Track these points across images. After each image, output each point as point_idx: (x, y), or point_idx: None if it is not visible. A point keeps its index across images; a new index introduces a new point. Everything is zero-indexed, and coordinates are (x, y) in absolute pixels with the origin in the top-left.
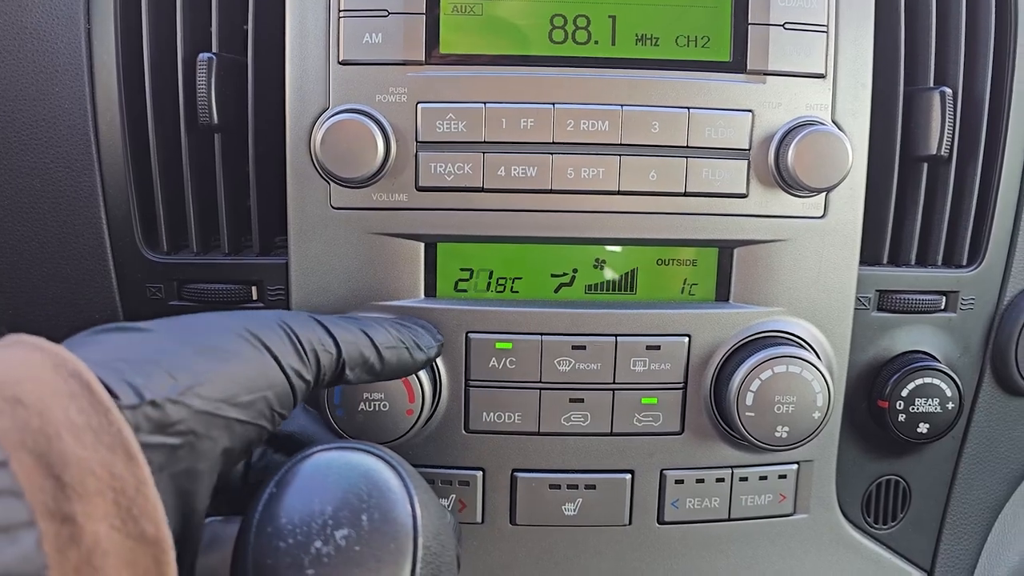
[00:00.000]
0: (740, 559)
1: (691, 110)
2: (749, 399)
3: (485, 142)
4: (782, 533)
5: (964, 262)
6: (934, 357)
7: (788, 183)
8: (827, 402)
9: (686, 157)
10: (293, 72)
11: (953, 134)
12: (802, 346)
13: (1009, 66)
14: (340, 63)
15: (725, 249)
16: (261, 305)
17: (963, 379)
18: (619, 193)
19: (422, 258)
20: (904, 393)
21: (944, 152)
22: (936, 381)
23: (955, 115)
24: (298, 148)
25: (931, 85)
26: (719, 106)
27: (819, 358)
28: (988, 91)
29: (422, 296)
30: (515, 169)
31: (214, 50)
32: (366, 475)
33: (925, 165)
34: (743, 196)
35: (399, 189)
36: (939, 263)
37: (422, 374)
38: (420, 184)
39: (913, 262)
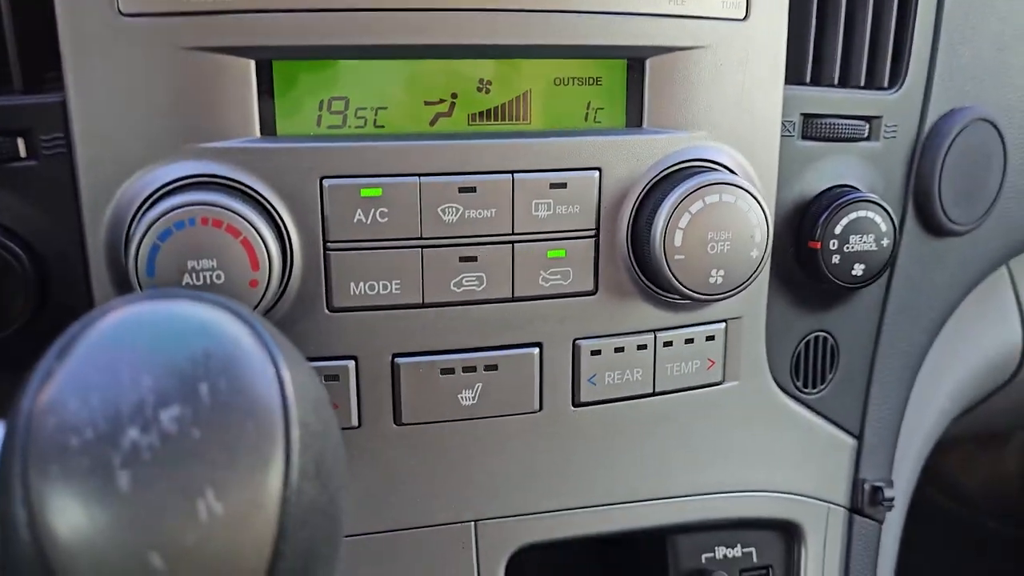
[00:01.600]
0: (666, 438)
1: None
2: (678, 238)
3: None
4: (711, 405)
5: (886, 83)
6: (858, 190)
7: None
8: (765, 237)
9: None
10: None
11: None
12: (732, 174)
13: None
14: None
15: (636, 62)
16: (33, 162)
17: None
18: None
19: (254, 81)
20: (837, 231)
21: None
22: (871, 214)
23: None
24: None
25: None
26: None
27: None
28: None
29: (257, 134)
30: None
31: None
32: (202, 329)
33: None
34: None
35: None
36: (862, 84)
37: (266, 233)
38: None
39: (836, 82)
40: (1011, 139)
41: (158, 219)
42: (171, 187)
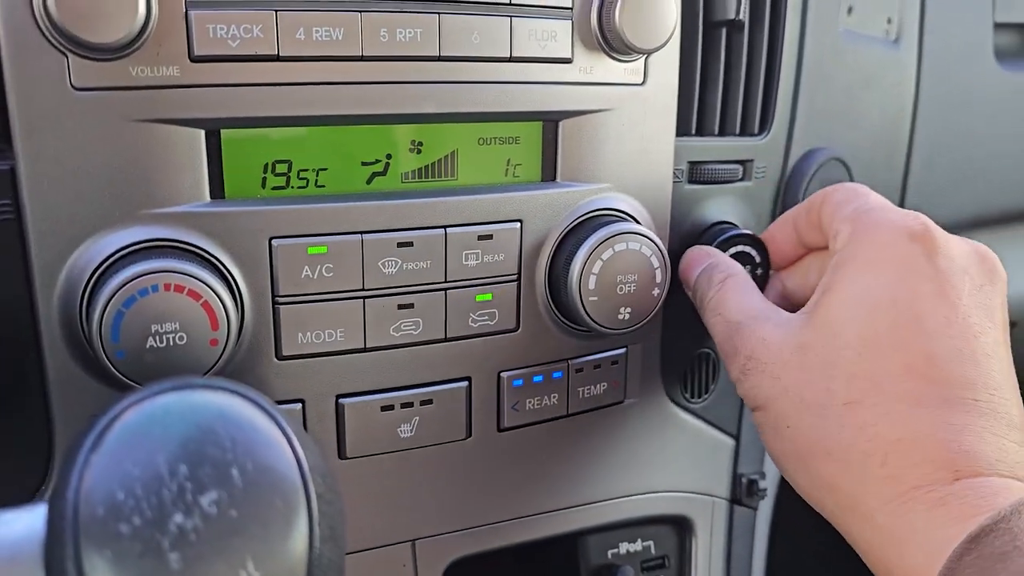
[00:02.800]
0: (580, 452)
1: None
2: (592, 282)
3: None
4: (616, 420)
5: (756, 130)
6: (736, 226)
7: (612, 45)
8: (665, 278)
9: (509, 16)
10: None
11: None
12: (635, 222)
13: None
14: None
15: (550, 123)
16: None
17: None
18: (439, 59)
19: (204, 149)
20: None
21: (742, 16)
22: (748, 249)
23: None
24: (13, 4)
25: None
26: None
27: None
28: None
29: (207, 198)
30: (317, 32)
31: None
32: (222, 416)
33: (724, 31)
34: (568, 61)
35: (167, 60)
36: (737, 132)
37: (224, 295)
38: (196, 53)
39: (716, 132)
40: (857, 175)
41: (121, 287)
42: (126, 252)
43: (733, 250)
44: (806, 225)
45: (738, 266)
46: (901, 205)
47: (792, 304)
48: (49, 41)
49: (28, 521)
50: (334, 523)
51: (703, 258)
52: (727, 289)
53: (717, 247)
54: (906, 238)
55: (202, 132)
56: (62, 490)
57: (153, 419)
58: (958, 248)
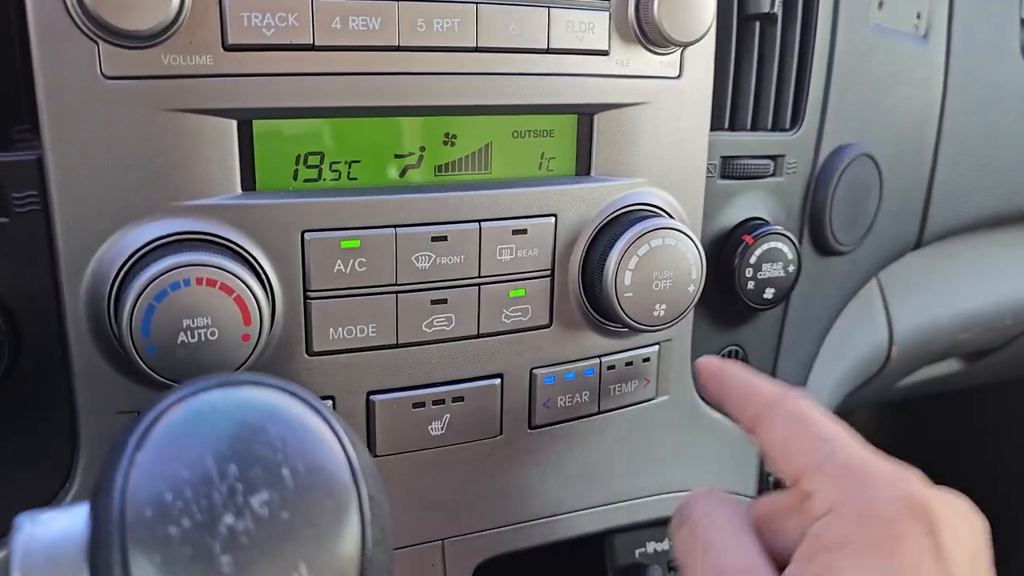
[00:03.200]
0: (609, 450)
1: None
2: (627, 278)
3: None
4: (646, 418)
5: (788, 125)
6: (767, 222)
7: (649, 38)
8: (700, 274)
9: (548, 7)
10: None
11: None
12: (669, 217)
13: None
14: None
15: (585, 117)
16: (3, 220)
17: None
18: (476, 50)
19: (235, 140)
20: (752, 260)
21: (776, 9)
22: (780, 245)
23: None
24: None
25: None
26: None
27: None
28: None
29: (239, 191)
30: (353, 21)
31: None
32: (271, 414)
33: (758, 24)
34: (604, 54)
35: (200, 49)
36: (769, 127)
37: (255, 286)
38: (229, 42)
39: (749, 127)
40: (886, 170)
41: (153, 280)
42: (155, 244)
43: (766, 246)
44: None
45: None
46: (927, 201)
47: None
48: (80, 28)
49: (67, 522)
50: (384, 524)
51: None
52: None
53: (749, 244)
54: (906, 513)
55: (234, 123)
56: (107, 490)
57: (200, 417)
58: (962, 524)
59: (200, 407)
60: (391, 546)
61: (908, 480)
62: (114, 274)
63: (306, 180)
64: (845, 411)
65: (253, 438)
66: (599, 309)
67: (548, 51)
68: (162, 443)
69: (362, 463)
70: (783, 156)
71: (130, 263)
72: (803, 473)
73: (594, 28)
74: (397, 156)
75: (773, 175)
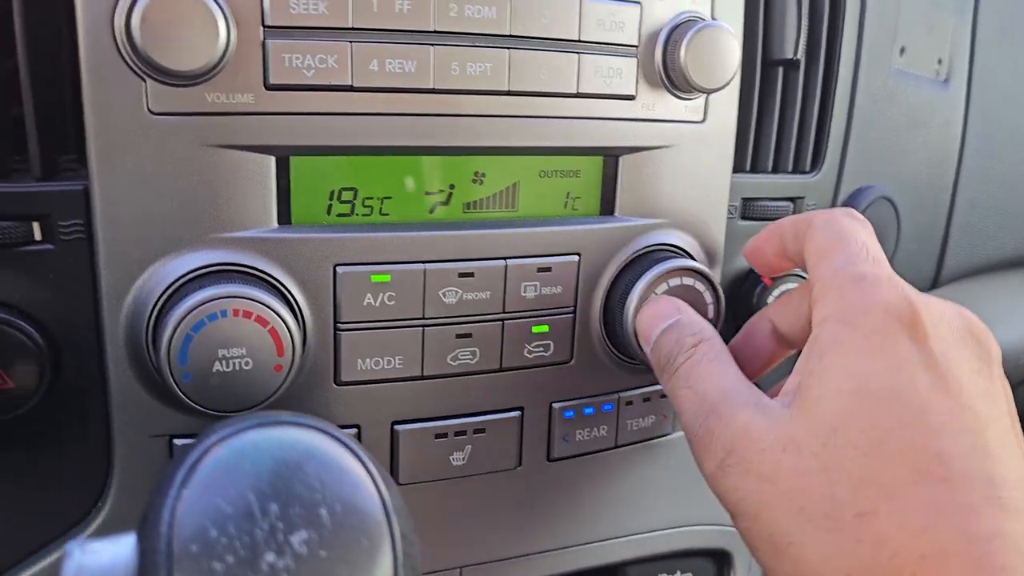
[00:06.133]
0: (626, 483)
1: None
2: None
3: (352, 28)
4: (662, 452)
5: (808, 167)
6: None
7: (675, 84)
8: (718, 313)
9: (578, 53)
10: None
11: (807, 38)
12: (690, 258)
13: None
14: None
15: (610, 158)
16: (50, 247)
17: None
18: (507, 93)
19: (273, 176)
20: (770, 300)
21: (799, 56)
22: (792, 286)
23: (807, 18)
24: (96, 30)
25: None
26: None
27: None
28: None
29: (275, 224)
30: (390, 64)
31: None
32: (309, 454)
33: (781, 70)
34: (631, 98)
35: (243, 87)
36: (789, 169)
37: (288, 318)
38: (271, 81)
39: (770, 169)
40: (903, 213)
41: (192, 311)
42: (194, 275)
43: (783, 287)
44: (794, 247)
45: (710, 328)
46: (944, 243)
47: (784, 344)
48: (128, 66)
49: (114, 552)
50: (416, 563)
51: (669, 312)
52: (701, 357)
53: (766, 286)
54: (896, 322)
55: (273, 159)
56: (154, 523)
57: (243, 455)
58: (948, 328)
59: (243, 446)
60: None
61: (904, 295)
62: (153, 302)
63: (339, 215)
64: None
65: (292, 477)
66: (619, 346)
67: (577, 95)
68: (207, 480)
69: (395, 503)
70: (802, 198)
71: (169, 292)
72: (815, 272)
73: (622, 73)
74: (427, 193)
75: None
